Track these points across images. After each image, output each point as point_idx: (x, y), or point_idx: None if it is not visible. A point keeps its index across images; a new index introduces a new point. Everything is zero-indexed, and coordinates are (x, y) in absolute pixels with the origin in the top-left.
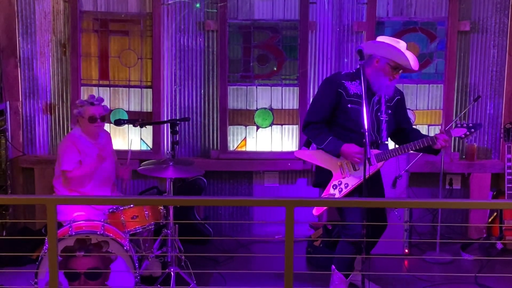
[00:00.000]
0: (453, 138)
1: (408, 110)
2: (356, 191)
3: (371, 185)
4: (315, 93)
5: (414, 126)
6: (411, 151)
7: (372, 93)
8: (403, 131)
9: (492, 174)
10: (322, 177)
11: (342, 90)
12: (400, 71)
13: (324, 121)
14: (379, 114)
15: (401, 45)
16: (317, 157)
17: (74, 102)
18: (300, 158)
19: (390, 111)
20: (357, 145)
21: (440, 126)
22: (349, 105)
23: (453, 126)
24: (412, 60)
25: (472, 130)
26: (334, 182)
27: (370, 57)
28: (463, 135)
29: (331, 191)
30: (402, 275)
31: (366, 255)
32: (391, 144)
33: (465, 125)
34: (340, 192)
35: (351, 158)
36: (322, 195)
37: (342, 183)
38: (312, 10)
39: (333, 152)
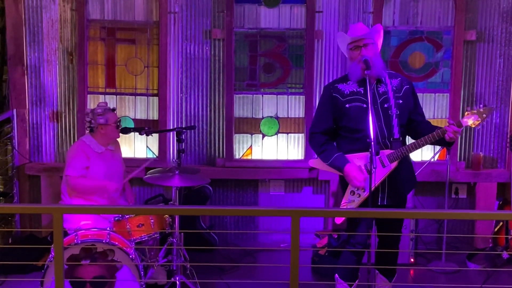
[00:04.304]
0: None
1: None
2: (372, 195)
3: (391, 188)
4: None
5: None
6: (423, 146)
7: (373, 82)
8: (413, 122)
9: (498, 184)
10: (342, 183)
11: (336, 94)
12: (362, 44)
13: (328, 132)
14: (386, 105)
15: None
16: None
17: (81, 110)
18: (314, 168)
19: (400, 101)
20: (363, 144)
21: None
22: (347, 105)
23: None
24: (356, 27)
25: (484, 115)
26: (352, 188)
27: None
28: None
29: (349, 198)
30: (407, 285)
31: (372, 266)
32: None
33: (475, 111)
34: (359, 197)
35: (350, 182)
36: (341, 203)
37: (360, 188)
38: (318, 19)
39: (337, 169)
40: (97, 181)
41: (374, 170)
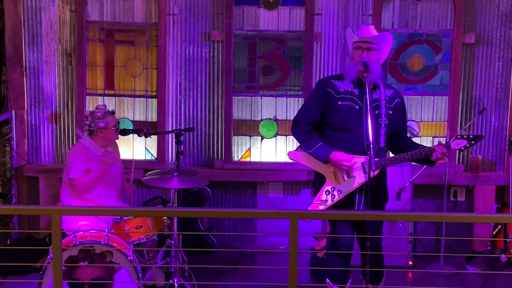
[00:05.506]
0: (456, 151)
1: (413, 122)
2: (348, 199)
3: (369, 194)
4: None
5: (419, 138)
6: (408, 161)
7: (369, 86)
8: (397, 137)
9: (497, 187)
10: (317, 182)
11: (330, 89)
12: (366, 47)
13: (314, 123)
14: (376, 112)
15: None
16: (311, 160)
17: (79, 111)
18: (292, 159)
19: (390, 112)
20: (350, 146)
21: (445, 138)
22: (339, 102)
23: (454, 138)
24: (365, 29)
25: (473, 142)
26: (327, 187)
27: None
28: (463, 147)
29: (323, 197)
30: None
31: (369, 268)
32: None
33: (465, 136)
34: (332, 198)
35: (338, 167)
36: (314, 200)
37: (335, 189)
38: (317, 21)
39: (321, 159)
40: (97, 172)
41: (372, 172)
